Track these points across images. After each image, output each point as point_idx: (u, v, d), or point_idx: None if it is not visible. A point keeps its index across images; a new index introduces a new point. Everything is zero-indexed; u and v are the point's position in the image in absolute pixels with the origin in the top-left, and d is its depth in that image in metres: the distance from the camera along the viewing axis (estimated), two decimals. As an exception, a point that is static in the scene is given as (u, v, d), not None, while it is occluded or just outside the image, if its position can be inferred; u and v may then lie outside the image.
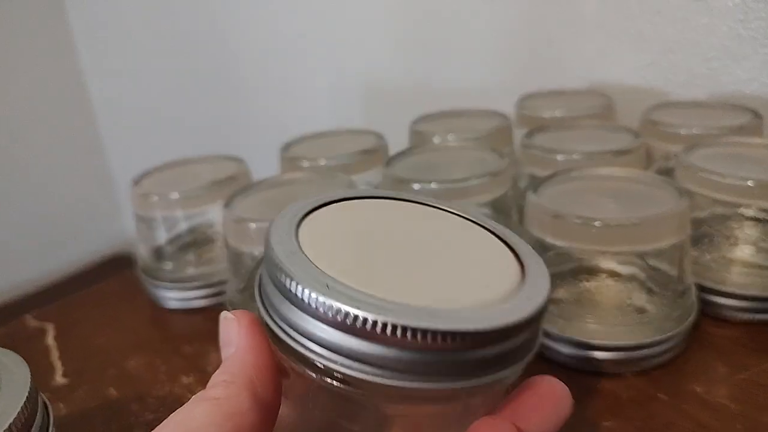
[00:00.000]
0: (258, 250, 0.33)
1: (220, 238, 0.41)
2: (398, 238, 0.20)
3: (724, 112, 0.43)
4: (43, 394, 0.25)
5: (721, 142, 0.38)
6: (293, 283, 0.17)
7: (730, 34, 0.46)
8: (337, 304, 0.16)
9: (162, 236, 0.41)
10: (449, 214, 0.23)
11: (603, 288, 0.33)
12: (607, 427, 0.28)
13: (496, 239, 0.21)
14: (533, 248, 0.21)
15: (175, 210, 0.39)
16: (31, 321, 0.42)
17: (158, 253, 0.42)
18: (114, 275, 0.47)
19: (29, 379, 0.24)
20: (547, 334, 0.32)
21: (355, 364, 0.17)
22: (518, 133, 0.46)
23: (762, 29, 0.45)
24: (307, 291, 0.17)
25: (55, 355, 0.38)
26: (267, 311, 0.19)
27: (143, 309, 0.42)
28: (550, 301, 0.19)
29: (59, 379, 0.36)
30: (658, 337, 0.30)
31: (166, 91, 0.99)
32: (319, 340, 0.17)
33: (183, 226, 0.40)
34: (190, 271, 0.40)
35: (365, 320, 0.16)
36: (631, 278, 0.33)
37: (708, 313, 0.35)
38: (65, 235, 1.13)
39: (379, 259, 0.19)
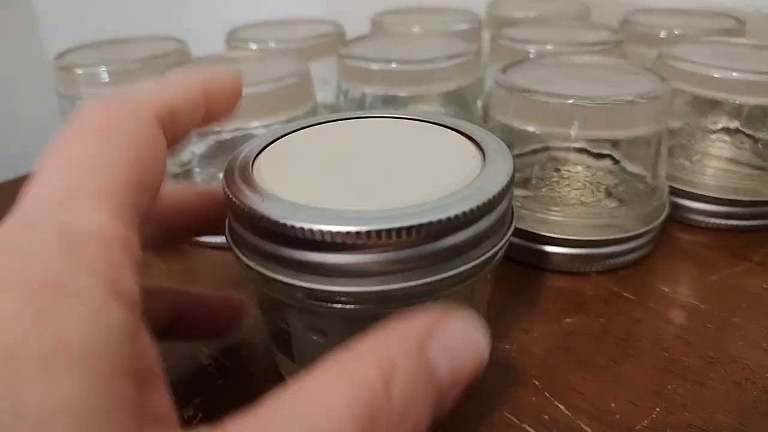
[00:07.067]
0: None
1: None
2: (355, 152, 0.20)
3: (705, 18, 0.41)
4: None
5: (703, 41, 0.35)
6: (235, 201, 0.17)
7: (717, -64, 0.43)
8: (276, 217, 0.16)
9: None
10: (411, 121, 0.23)
11: (571, 182, 0.30)
12: (570, 323, 0.26)
13: (462, 137, 0.21)
14: (499, 138, 0.20)
15: (103, 87, 0.34)
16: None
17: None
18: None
19: None
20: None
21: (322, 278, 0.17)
22: (488, 37, 0.43)
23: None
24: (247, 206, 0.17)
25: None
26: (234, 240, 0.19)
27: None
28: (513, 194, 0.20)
29: None
30: (624, 235, 0.28)
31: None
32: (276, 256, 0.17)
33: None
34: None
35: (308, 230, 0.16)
36: (602, 173, 0.30)
37: (678, 219, 0.33)
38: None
39: (336, 174, 0.19)
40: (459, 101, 0.35)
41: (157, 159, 0.15)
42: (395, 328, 0.14)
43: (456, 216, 0.16)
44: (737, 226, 0.32)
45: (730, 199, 0.31)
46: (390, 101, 0.34)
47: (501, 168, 0.19)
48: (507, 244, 0.19)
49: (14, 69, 1.05)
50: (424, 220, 0.16)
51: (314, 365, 0.13)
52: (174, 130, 0.17)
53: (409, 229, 0.16)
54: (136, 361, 0.12)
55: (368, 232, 0.16)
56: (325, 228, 0.16)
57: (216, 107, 0.18)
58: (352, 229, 0.16)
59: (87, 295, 0.11)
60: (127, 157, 0.14)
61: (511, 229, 0.19)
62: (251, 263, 0.18)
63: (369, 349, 0.13)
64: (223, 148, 0.31)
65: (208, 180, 0.31)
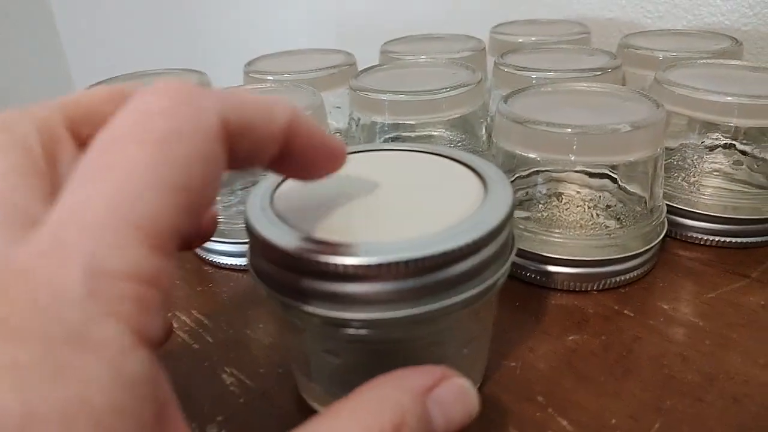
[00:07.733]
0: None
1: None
2: (364, 185, 0.22)
3: (703, 39, 0.42)
4: None
5: (699, 64, 0.36)
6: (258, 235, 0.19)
7: (713, -40, 0.44)
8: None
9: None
10: (418, 153, 0.24)
11: (571, 204, 0.31)
12: (572, 341, 0.27)
13: (464, 168, 0.23)
14: (502, 163, 0.23)
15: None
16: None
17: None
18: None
19: None
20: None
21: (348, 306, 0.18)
22: (492, 61, 0.44)
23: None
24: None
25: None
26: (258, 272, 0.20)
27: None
28: (514, 220, 0.21)
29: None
30: (624, 254, 0.29)
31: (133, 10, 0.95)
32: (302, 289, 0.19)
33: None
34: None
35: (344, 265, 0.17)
36: (601, 195, 0.31)
37: (677, 236, 0.34)
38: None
39: (348, 207, 0.20)
40: (464, 126, 0.37)
41: (213, 179, 0.13)
42: (402, 382, 0.16)
43: (460, 247, 0.18)
44: (735, 243, 0.33)
45: (728, 218, 0.32)
46: (399, 127, 0.35)
47: (501, 199, 0.20)
48: (508, 269, 0.21)
49: (39, 98, 1.08)
50: (430, 251, 0.17)
51: (325, 411, 0.15)
52: (237, 149, 0.14)
53: (416, 260, 0.17)
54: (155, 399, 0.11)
55: (379, 265, 0.17)
56: (339, 261, 0.17)
57: (296, 155, 0.16)
58: (364, 261, 0.17)
59: (110, 346, 0.11)
60: (182, 175, 0.12)
61: (512, 255, 0.21)
62: (270, 290, 0.20)
63: (380, 400, 0.15)
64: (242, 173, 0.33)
65: (228, 206, 0.33)
